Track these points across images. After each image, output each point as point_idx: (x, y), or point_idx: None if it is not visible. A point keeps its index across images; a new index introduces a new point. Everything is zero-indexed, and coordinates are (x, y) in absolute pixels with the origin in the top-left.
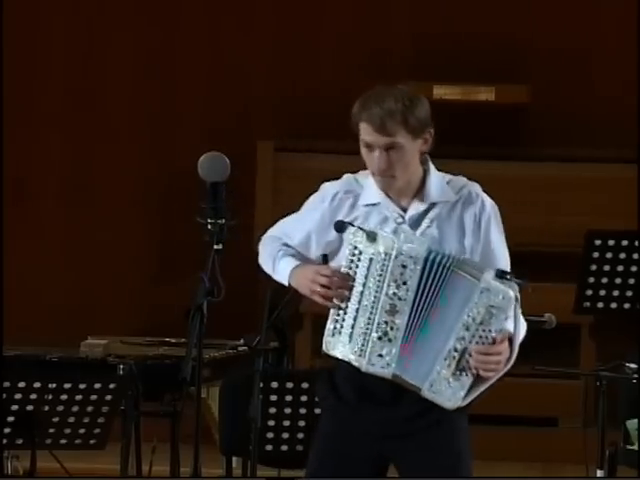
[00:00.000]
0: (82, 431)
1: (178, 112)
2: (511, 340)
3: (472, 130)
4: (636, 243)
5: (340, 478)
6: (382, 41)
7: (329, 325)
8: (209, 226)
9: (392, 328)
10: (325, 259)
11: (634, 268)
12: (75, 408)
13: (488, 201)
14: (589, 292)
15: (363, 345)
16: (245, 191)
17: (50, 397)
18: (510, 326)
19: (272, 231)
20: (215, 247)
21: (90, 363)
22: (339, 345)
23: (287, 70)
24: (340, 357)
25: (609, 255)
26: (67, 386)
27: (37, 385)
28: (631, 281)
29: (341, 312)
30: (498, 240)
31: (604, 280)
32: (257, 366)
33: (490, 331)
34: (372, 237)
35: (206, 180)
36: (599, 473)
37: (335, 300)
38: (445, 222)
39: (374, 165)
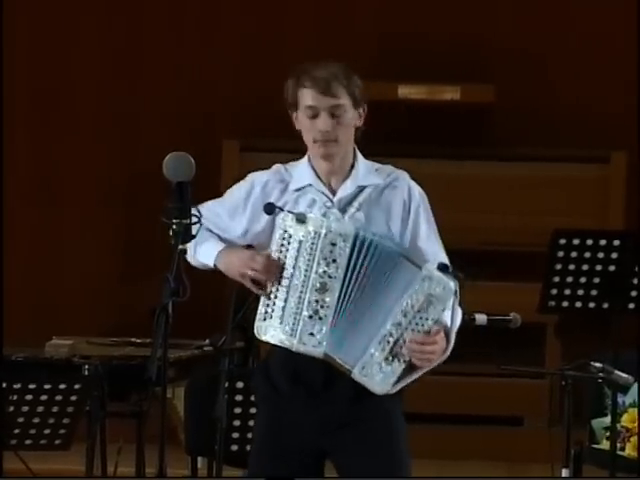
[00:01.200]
0: (47, 432)
1: (143, 111)
2: (447, 333)
3: (437, 129)
4: (601, 242)
5: (277, 471)
6: (347, 40)
7: (260, 309)
8: (174, 226)
9: (323, 306)
10: (250, 248)
11: (599, 267)
12: (40, 408)
13: (417, 189)
14: (554, 291)
15: (294, 325)
16: (211, 190)
17: (15, 397)
18: (447, 318)
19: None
20: (180, 247)
21: (55, 363)
22: (270, 329)
23: (252, 69)
24: (272, 341)
25: (574, 254)
26: (32, 386)
27: (2, 385)
28: (596, 280)
29: (272, 295)
30: (427, 233)
31: (569, 279)
32: (222, 366)
33: (427, 319)
34: (301, 219)
35: (171, 180)
36: (564, 472)
37: (267, 285)
38: (373, 206)
39: (318, 129)
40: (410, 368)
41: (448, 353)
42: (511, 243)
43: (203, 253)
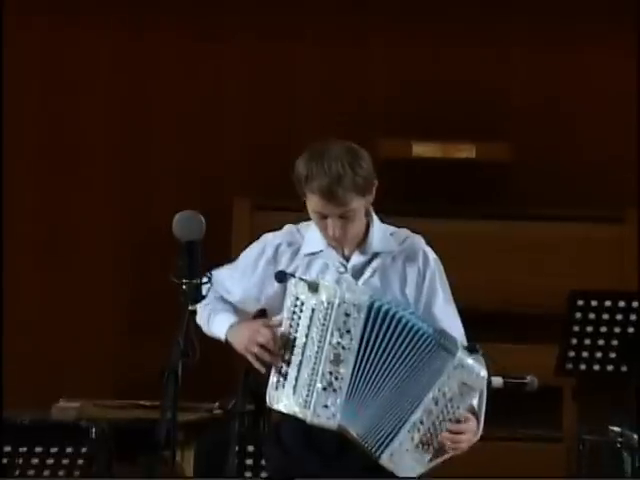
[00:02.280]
0: None
1: (153, 167)
2: (477, 415)
3: (453, 188)
4: (620, 304)
5: None
6: (359, 98)
7: (272, 378)
8: (184, 286)
9: (337, 378)
10: (262, 313)
11: (617, 329)
12: (46, 472)
13: (432, 255)
14: (571, 354)
15: (307, 396)
16: (221, 250)
17: (20, 461)
18: (475, 402)
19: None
20: (190, 308)
21: (62, 426)
22: (283, 398)
23: (264, 125)
24: (285, 411)
25: (592, 316)
26: (38, 450)
27: (7, 449)
28: (614, 342)
29: (284, 364)
30: (442, 300)
31: (587, 341)
32: (232, 429)
33: (458, 408)
34: (314, 287)
35: (181, 239)
36: None
37: (272, 362)
38: (387, 272)
39: (328, 232)
40: (439, 452)
41: (479, 435)
42: (528, 304)
43: (216, 325)
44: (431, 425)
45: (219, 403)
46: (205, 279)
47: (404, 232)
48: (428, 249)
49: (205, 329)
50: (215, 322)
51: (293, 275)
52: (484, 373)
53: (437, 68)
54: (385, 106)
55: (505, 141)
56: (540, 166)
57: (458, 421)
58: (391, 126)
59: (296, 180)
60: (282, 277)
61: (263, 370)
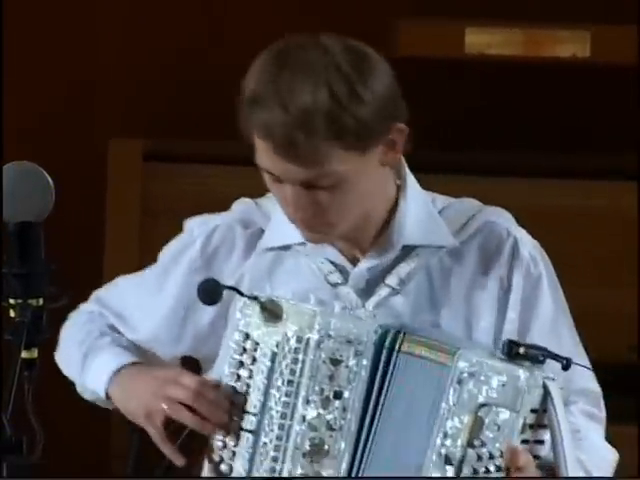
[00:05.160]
0: None
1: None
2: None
3: (542, 118)
4: None
5: None
6: None
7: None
8: (11, 311)
9: None
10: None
11: None
12: None
13: (528, 244)
14: None
15: None
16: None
17: None
18: (544, 449)
19: (93, 305)
20: (23, 355)
21: None
22: None
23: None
24: None
25: None
26: None
27: None
28: None
29: (223, 467)
30: (550, 322)
31: None
32: None
33: (492, 457)
34: (274, 312)
35: (8, 219)
36: None
37: (214, 440)
38: (432, 285)
39: (287, 209)
40: None
41: None
42: None
43: (95, 372)
44: None
45: None
46: (59, 296)
47: (470, 205)
48: (521, 234)
49: (78, 385)
50: (92, 367)
51: (237, 290)
52: (522, 376)
53: None
54: None
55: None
56: None
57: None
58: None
59: (240, 110)
60: (212, 293)
61: (178, 460)
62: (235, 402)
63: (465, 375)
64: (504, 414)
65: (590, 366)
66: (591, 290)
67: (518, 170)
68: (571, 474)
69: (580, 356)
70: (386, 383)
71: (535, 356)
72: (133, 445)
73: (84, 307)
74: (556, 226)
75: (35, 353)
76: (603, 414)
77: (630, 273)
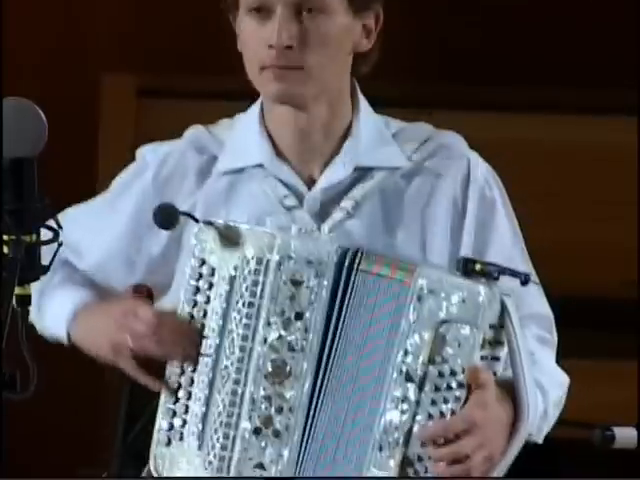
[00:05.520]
0: None
1: None
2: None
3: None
4: None
5: None
6: None
7: (159, 424)
8: (5, 247)
9: (280, 409)
10: (142, 292)
11: None
12: None
13: (481, 167)
14: None
15: (224, 449)
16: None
17: None
18: (500, 365)
19: None
20: (16, 291)
21: None
22: (181, 458)
23: None
24: None
25: None
26: None
27: None
28: None
29: (181, 394)
30: (510, 245)
31: None
32: None
33: (453, 373)
34: (231, 236)
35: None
36: None
37: (171, 367)
38: (388, 207)
39: (267, 40)
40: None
41: (512, 454)
42: None
43: (51, 313)
44: (406, 433)
45: None
46: (49, 231)
47: (424, 128)
48: (474, 156)
49: (37, 323)
50: (50, 306)
51: (191, 216)
52: (482, 291)
53: None
54: None
55: None
56: None
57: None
58: None
59: None
60: (170, 217)
61: (155, 386)
62: (193, 327)
63: (425, 292)
64: (465, 330)
65: (542, 290)
66: (587, 224)
67: (515, 105)
68: (529, 391)
69: (525, 261)
70: (345, 302)
71: (491, 272)
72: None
73: None
74: (553, 161)
75: (29, 290)
76: (555, 338)
77: (627, 209)
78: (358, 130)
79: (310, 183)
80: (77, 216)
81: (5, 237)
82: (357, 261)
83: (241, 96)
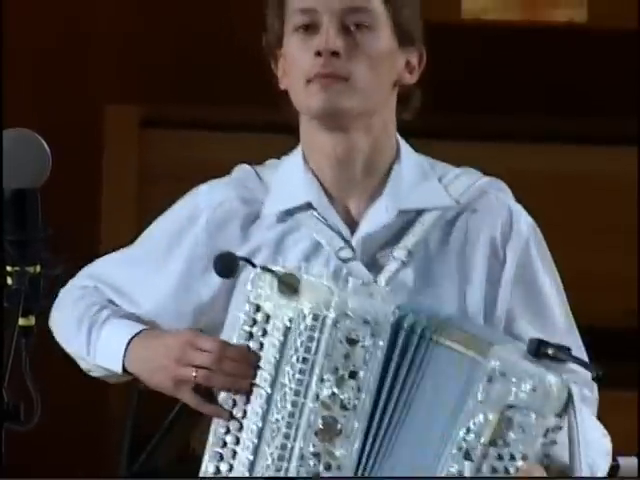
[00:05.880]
0: None
1: None
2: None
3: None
4: None
5: None
6: None
7: (205, 467)
8: (8, 278)
9: (329, 466)
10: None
11: None
12: None
13: (523, 217)
14: None
15: None
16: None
17: None
18: (562, 451)
19: (85, 280)
20: (20, 323)
21: None
22: None
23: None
24: None
25: None
26: None
27: None
28: None
29: (232, 427)
30: (542, 301)
31: None
32: None
33: (513, 458)
34: (290, 285)
35: (5, 185)
36: None
37: (227, 398)
38: (431, 255)
39: (315, 48)
40: None
41: None
42: None
43: (104, 347)
44: None
45: None
46: (55, 265)
47: (471, 172)
48: (517, 207)
49: (84, 361)
50: (100, 343)
51: (249, 260)
52: (553, 381)
53: None
54: None
55: None
56: None
57: None
58: None
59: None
60: (229, 265)
61: (223, 415)
62: (254, 357)
63: (496, 374)
64: (530, 417)
65: (581, 344)
66: (587, 254)
67: (516, 135)
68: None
69: (572, 334)
70: (405, 367)
71: (561, 358)
72: (131, 407)
73: (75, 283)
74: (553, 191)
75: (32, 320)
76: (595, 395)
77: (627, 238)
78: (400, 169)
79: (350, 222)
80: (124, 262)
81: (9, 268)
82: (429, 331)
83: (243, 127)
